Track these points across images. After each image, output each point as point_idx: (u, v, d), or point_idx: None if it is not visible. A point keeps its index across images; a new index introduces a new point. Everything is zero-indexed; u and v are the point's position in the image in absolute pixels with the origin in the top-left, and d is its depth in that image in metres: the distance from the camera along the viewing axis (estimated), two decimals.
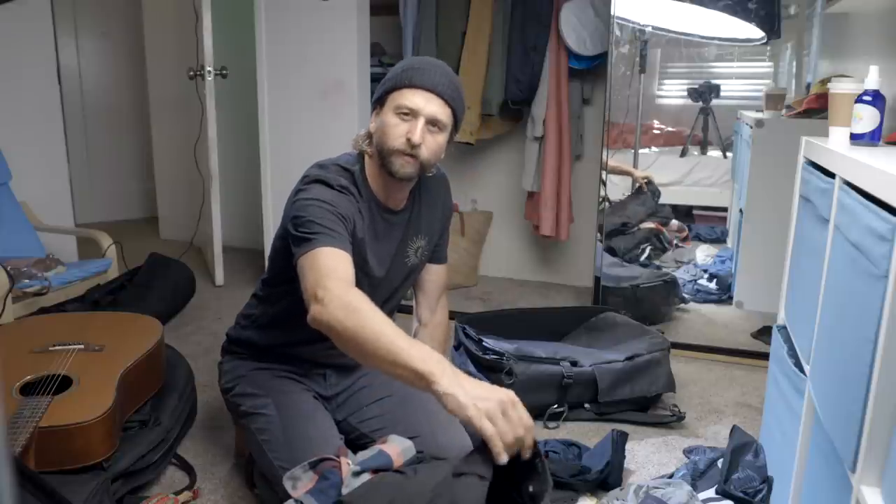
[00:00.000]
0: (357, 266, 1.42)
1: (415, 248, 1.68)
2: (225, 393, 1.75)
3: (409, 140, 1.46)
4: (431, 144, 1.49)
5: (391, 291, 1.70)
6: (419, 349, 1.14)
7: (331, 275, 1.28)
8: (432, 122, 1.48)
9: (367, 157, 1.58)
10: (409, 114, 1.47)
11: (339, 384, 1.75)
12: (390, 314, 1.75)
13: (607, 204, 2.95)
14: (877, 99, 1.44)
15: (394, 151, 1.49)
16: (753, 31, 2.75)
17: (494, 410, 1.05)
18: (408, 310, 1.93)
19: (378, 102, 1.54)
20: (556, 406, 2.14)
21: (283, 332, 1.70)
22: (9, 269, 2.35)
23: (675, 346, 2.59)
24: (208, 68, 3.21)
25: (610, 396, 2.15)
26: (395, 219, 1.62)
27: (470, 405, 1.04)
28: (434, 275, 1.82)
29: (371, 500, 1.25)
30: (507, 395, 1.08)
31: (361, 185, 1.56)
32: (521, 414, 1.07)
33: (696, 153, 3.03)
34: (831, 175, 1.35)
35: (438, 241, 1.78)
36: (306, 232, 1.37)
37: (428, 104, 1.46)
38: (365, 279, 1.56)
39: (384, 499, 1.25)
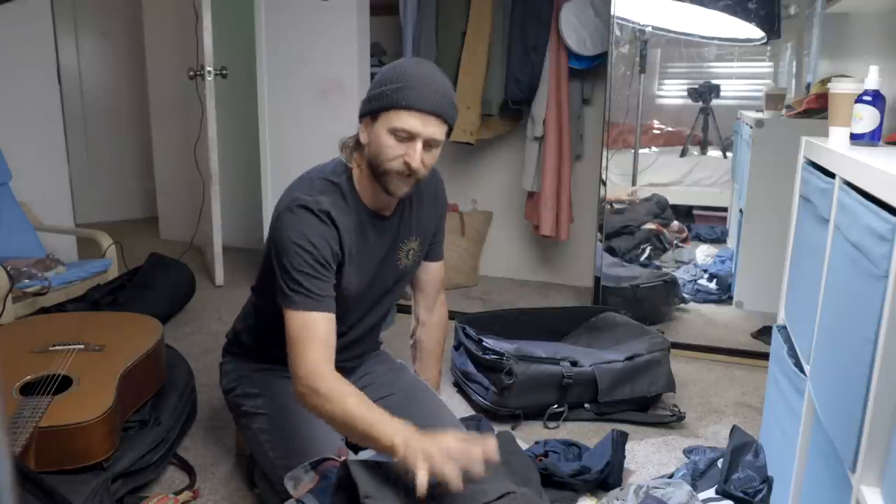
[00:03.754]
0: (340, 282, 1.50)
1: (406, 251, 1.66)
2: (227, 393, 1.75)
3: (407, 164, 1.43)
4: (428, 161, 1.46)
5: (383, 292, 1.68)
6: (384, 426, 1.29)
7: (309, 354, 1.41)
8: (429, 142, 1.45)
9: (355, 166, 1.54)
10: (407, 137, 1.42)
11: None
12: (385, 314, 1.75)
13: (609, 205, 2.95)
14: (877, 99, 1.44)
15: (390, 172, 1.45)
16: (753, 31, 2.75)
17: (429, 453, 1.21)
18: (408, 309, 1.93)
19: (368, 114, 1.49)
20: (556, 406, 2.14)
21: (279, 337, 1.70)
22: (9, 269, 2.35)
23: (675, 346, 2.59)
24: (208, 68, 3.21)
25: (610, 396, 2.14)
26: (386, 224, 1.60)
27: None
28: (431, 273, 1.81)
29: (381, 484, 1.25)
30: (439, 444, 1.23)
31: (350, 196, 1.53)
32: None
33: (696, 153, 3.03)
34: (831, 175, 1.35)
35: (433, 239, 1.76)
36: (291, 286, 1.44)
37: (426, 127, 1.42)
38: (351, 290, 1.56)
39: (392, 481, 1.25)
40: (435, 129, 1.43)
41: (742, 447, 1.74)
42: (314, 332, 1.43)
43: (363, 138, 1.50)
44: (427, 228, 1.71)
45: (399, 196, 1.51)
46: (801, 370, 1.48)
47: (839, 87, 1.55)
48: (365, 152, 1.50)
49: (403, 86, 1.41)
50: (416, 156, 1.42)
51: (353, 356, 1.74)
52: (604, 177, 2.94)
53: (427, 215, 1.69)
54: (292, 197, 1.49)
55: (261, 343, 1.72)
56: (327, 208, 1.47)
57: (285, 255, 1.46)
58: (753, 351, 2.68)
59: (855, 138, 1.48)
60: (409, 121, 1.40)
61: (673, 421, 2.14)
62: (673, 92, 3.05)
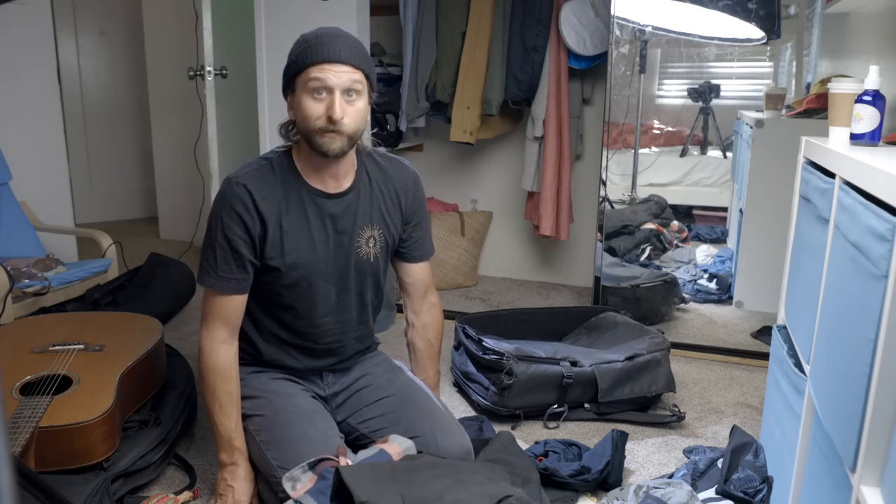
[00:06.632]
0: (278, 255, 1.56)
1: (366, 238, 1.65)
2: None
3: (330, 117, 1.46)
4: (353, 113, 1.49)
5: (345, 280, 1.66)
6: (227, 439, 1.59)
7: (210, 331, 1.60)
8: (348, 92, 1.47)
9: (294, 145, 1.59)
10: (323, 90, 1.46)
11: (336, 383, 1.75)
12: (365, 312, 1.74)
13: (608, 205, 2.95)
14: (877, 99, 1.44)
15: (317, 131, 1.48)
16: (753, 31, 2.75)
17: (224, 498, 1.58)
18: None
19: (288, 88, 1.54)
20: (556, 406, 2.14)
21: (270, 337, 1.70)
22: (9, 269, 2.35)
23: (675, 346, 2.59)
24: (208, 68, 3.22)
25: (610, 396, 2.15)
26: (333, 203, 1.60)
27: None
28: (413, 275, 1.80)
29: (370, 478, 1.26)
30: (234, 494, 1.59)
31: (281, 170, 1.58)
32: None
33: (696, 153, 3.03)
34: (831, 175, 1.35)
35: (406, 237, 1.74)
36: (203, 260, 1.58)
37: (339, 76, 1.45)
38: (287, 262, 1.57)
39: (388, 480, 1.26)
40: (349, 77, 1.46)
41: (742, 447, 1.74)
42: (218, 312, 1.59)
43: (291, 114, 1.55)
44: (391, 220, 1.69)
45: (336, 153, 1.51)
46: (801, 370, 1.48)
47: (839, 87, 1.56)
48: (297, 126, 1.54)
49: (306, 47, 1.48)
50: (337, 106, 1.45)
51: (341, 360, 1.74)
52: (604, 177, 2.94)
53: (390, 206, 1.68)
54: (218, 192, 1.59)
55: (253, 345, 1.72)
56: (245, 181, 1.54)
57: (207, 229, 1.58)
58: (753, 351, 2.68)
59: (855, 138, 1.48)
60: (320, 74, 1.45)
61: (673, 421, 2.14)
62: (673, 92, 3.05)
